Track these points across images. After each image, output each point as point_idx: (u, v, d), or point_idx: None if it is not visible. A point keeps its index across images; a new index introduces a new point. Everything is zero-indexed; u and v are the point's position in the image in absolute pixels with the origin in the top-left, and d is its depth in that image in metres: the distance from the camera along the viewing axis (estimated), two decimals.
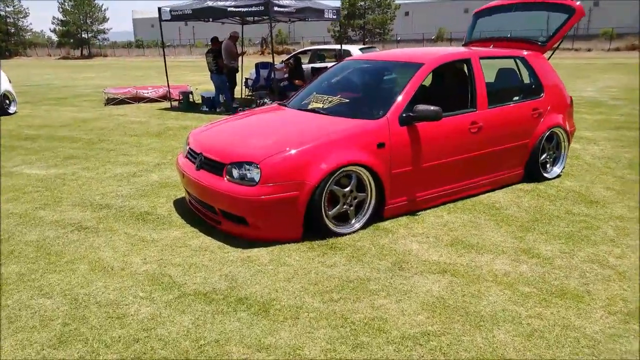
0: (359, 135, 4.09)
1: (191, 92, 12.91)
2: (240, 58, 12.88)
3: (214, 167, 4.05)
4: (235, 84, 12.64)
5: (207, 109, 11.96)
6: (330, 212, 4.01)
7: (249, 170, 3.81)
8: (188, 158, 4.54)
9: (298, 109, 4.91)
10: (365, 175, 4.12)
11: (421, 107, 4.23)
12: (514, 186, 5.37)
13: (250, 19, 13.33)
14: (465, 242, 3.92)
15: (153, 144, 8.06)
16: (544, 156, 5.56)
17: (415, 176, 4.43)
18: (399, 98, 4.35)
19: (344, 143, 4.00)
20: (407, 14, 67.80)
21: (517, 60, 5.56)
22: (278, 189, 3.73)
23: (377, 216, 4.30)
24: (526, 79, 5.72)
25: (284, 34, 60.52)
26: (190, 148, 4.57)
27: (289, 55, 14.31)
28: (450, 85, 5.41)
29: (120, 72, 28.18)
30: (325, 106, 4.69)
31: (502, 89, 5.38)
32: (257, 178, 3.75)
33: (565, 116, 5.73)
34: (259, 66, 13.63)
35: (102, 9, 60.24)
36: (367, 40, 51.18)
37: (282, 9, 10.85)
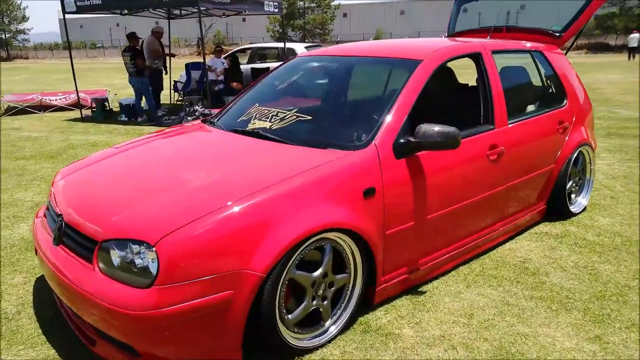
0: (335, 177, 2.44)
1: (107, 99, 10.79)
2: (168, 59, 10.93)
3: (80, 244, 2.27)
4: (160, 87, 10.67)
5: (126, 119, 9.94)
6: (290, 316, 2.34)
7: (138, 254, 2.07)
8: (47, 218, 2.73)
9: (232, 131, 3.19)
10: (347, 244, 2.49)
11: (427, 127, 2.64)
12: (535, 229, 3.90)
13: (177, 12, 11.40)
14: (518, 354, 2.35)
15: (42, 170, 6.06)
16: (569, 184, 4.13)
17: (418, 234, 2.84)
18: (391, 115, 2.73)
19: (311, 193, 2.34)
20: (345, 15, 67.01)
21: (534, 56, 4.09)
22: (193, 290, 2.01)
23: (364, 302, 2.68)
24: (539, 80, 4.27)
25: (222, 35, 58.04)
26: (50, 201, 2.76)
27: (225, 55, 12.47)
28: (451, 92, 3.88)
29: (37, 76, 25.12)
30: (275, 126, 3.00)
31: (516, 96, 3.88)
32: (153, 270, 2.02)
33: (587, 129, 4.33)
34: (189, 67, 11.71)
35: (21, 7, 55.40)
36: (307, 40, 49.72)
37: None
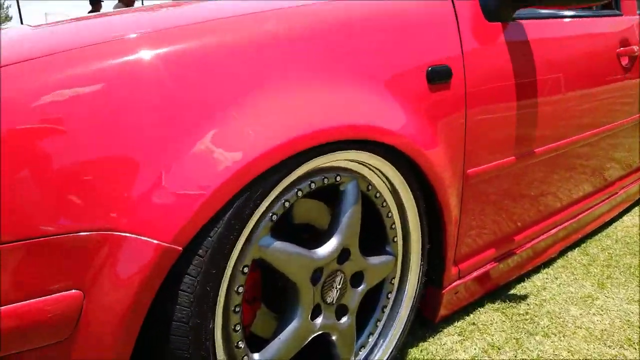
0: (363, 30, 1.05)
1: None
2: None
3: None
4: None
5: None
6: (257, 358, 0.93)
7: None
8: None
9: None
10: (390, 187, 1.09)
11: None
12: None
13: None
14: None
15: None
16: None
17: (519, 183, 1.47)
18: None
19: (307, 53, 0.94)
20: None
21: None
22: None
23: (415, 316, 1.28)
24: None
25: None
26: None
27: None
28: None
29: None
30: None
31: None
32: None
33: None
34: None
35: (4, 6, 53.77)
36: None
37: None
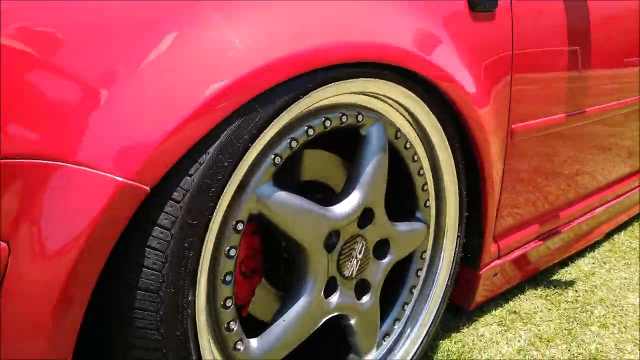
0: None
1: None
2: None
3: None
4: None
5: None
6: (254, 345, 0.72)
7: None
8: None
9: None
10: (421, 136, 0.88)
11: None
12: None
13: None
14: None
15: None
16: None
17: (564, 146, 1.25)
18: None
19: None
20: None
21: None
22: None
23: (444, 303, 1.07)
24: None
25: None
26: None
27: None
28: None
29: None
30: None
31: None
32: None
33: None
34: None
35: None
36: None
37: None
